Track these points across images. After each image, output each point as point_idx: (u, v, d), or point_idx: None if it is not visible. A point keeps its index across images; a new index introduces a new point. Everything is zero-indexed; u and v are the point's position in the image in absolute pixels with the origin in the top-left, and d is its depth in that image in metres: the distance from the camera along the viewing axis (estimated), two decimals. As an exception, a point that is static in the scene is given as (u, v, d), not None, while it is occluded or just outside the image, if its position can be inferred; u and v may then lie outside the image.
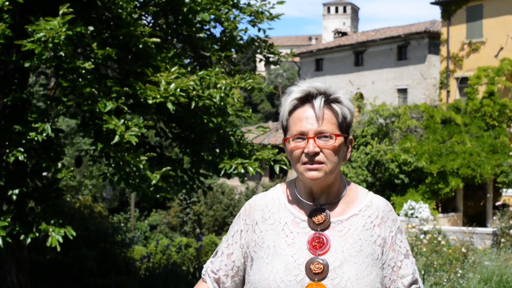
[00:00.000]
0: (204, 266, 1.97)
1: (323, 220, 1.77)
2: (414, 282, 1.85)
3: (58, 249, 6.11)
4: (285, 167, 7.09)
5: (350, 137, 1.81)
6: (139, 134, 5.98)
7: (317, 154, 1.72)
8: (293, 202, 1.84)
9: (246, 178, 7.10)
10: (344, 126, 1.77)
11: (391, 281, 1.82)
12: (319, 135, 1.72)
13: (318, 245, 1.75)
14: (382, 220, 1.82)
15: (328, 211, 1.78)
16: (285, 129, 1.80)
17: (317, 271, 1.72)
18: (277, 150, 7.32)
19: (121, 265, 12.89)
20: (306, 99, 1.75)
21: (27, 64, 5.87)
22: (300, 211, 1.81)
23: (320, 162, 1.72)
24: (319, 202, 1.80)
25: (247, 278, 1.85)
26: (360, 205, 1.82)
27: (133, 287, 10.62)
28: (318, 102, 1.74)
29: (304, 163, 1.73)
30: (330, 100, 1.76)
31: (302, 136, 1.73)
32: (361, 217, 1.80)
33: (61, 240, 6.14)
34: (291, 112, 1.77)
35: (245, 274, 1.88)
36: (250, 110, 8.00)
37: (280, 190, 1.88)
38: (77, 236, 13.24)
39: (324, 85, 1.77)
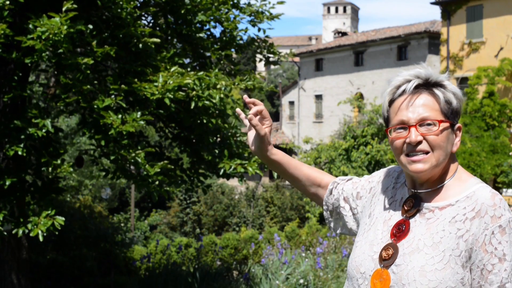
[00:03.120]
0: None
1: (410, 207, 1.72)
2: None
3: (41, 239, 6.07)
4: None
5: (459, 124, 1.70)
6: (136, 125, 5.98)
7: (420, 143, 1.64)
8: (403, 182, 1.82)
9: (245, 179, 7.07)
10: (450, 112, 1.67)
11: (479, 285, 1.61)
12: (421, 122, 1.64)
13: (398, 231, 1.70)
14: (477, 214, 1.62)
15: (419, 198, 1.72)
16: (387, 120, 1.73)
17: (385, 257, 1.67)
18: None
19: (121, 265, 12.87)
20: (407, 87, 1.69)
21: (27, 61, 5.85)
22: (405, 193, 1.80)
23: (425, 152, 1.64)
24: (418, 189, 1.73)
25: None
26: (460, 195, 1.68)
27: (133, 287, 10.60)
28: (418, 88, 1.67)
29: (407, 155, 1.66)
30: (431, 85, 1.68)
31: (403, 125, 1.66)
32: (456, 208, 1.66)
33: (43, 230, 6.07)
34: (391, 102, 1.71)
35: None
36: None
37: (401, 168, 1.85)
38: (77, 236, 13.29)
39: (425, 70, 1.70)
